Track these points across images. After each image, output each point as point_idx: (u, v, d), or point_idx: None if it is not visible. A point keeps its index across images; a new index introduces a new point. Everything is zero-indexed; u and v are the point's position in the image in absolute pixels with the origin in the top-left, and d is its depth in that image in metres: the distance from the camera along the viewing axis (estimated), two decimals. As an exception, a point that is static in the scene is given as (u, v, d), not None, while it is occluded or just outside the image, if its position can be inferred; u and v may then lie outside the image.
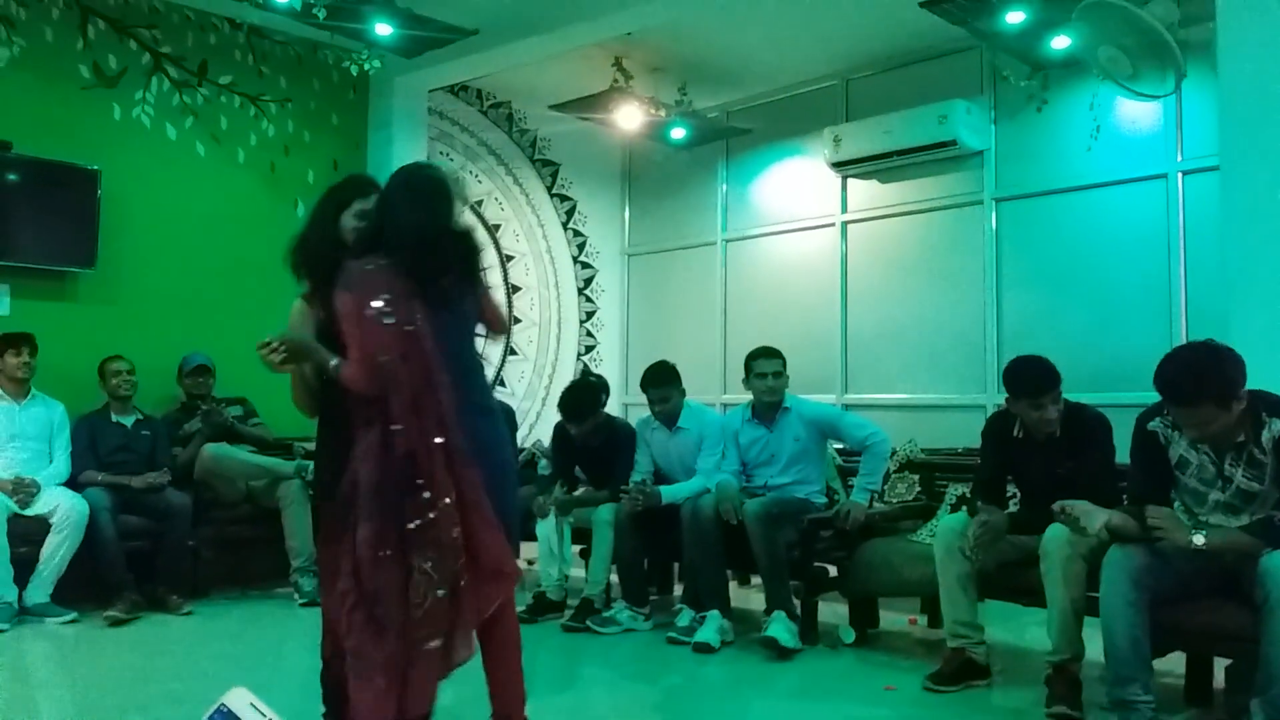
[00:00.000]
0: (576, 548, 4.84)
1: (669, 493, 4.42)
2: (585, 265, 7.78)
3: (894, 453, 4.53)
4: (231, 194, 5.73)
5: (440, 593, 2.25)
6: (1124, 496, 3.43)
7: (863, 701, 3.50)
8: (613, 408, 5.70)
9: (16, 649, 4.00)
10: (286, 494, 4.89)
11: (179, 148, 5.57)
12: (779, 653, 3.88)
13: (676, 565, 5.02)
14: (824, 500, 4.43)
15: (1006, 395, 3.56)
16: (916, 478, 4.55)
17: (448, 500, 2.26)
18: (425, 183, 2.55)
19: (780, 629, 3.92)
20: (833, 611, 4.41)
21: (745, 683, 3.71)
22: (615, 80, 6.23)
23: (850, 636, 4.13)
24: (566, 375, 7.32)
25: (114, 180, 5.22)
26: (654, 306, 7.80)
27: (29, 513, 4.43)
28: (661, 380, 4.63)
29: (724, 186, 7.37)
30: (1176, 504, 3.07)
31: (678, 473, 4.63)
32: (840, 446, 4.77)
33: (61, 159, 5.06)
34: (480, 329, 2.66)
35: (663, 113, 6.46)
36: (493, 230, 7.18)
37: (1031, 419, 3.49)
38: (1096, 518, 2.96)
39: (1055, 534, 3.22)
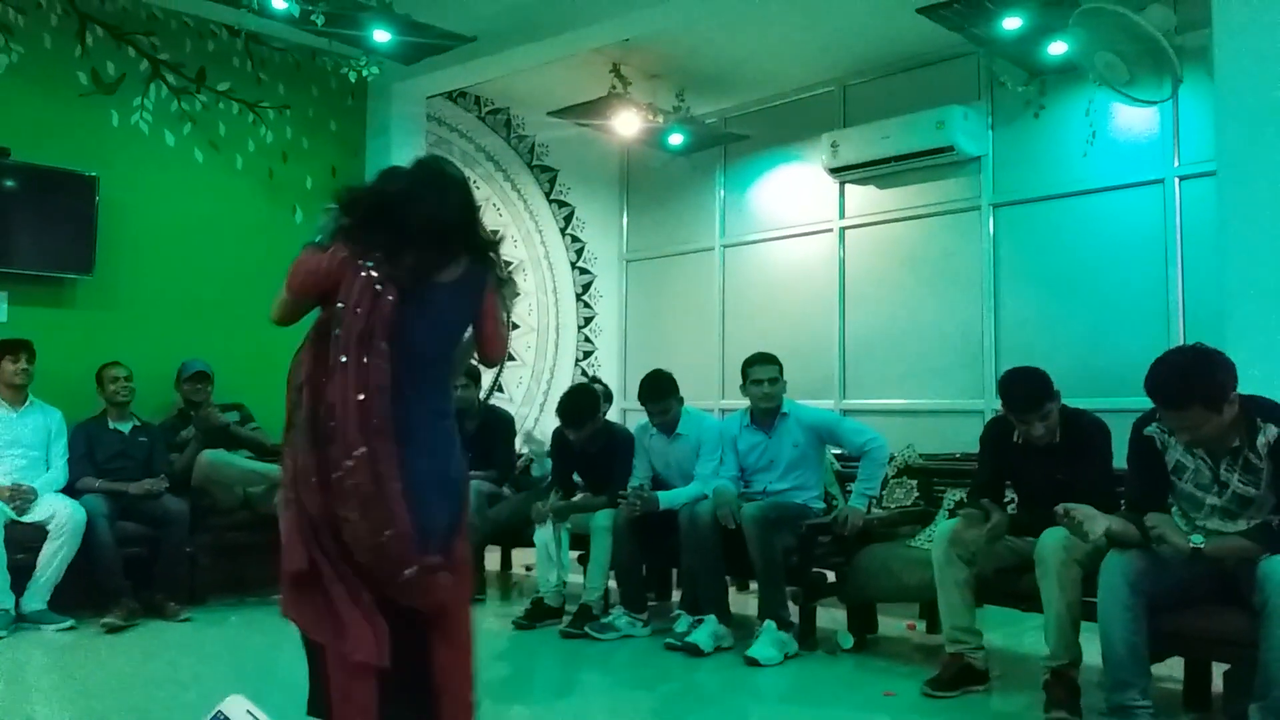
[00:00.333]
0: (574, 553, 4.84)
1: (667, 498, 4.42)
2: (583, 271, 7.79)
3: (892, 458, 4.53)
4: (230, 200, 5.73)
5: (388, 533, 2.23)
6: (1122, 502, 3.44)
7: (861, 707, 3.49)
8: (611, 414, 5.70)
9: (14, 656, 3.99)
10: (284, 499, 4.87)
11: (177, 154, 5.57)
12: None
13: (675, 571, 5.01)
14: (822, 506, 4.44)
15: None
16: (915, 483, 4.55)
17: (360, 451, 2.24)
18: (447, 179, 2.49)
19: (765, 646, 3.92)
20: (831, 617, 4.41)
21: (743, 689, 3.71)
22: (613, 86, 6.24)
23: (849, 642, 4.13)
24: (565, 381, 7.33)
25: (112, 187, 5.22)
26: (652, 312, 7.81)
27: (26, 520, 4.43)
28: (659, 394, 4.62)
29: (722, 192, 7.38)
30: (1174, 509, 3.07)
31: (676, 479, 4.63)
32: (839, 452, 4.77)
33: (60, 165, 5.06)
34: (471, 343, 2.53)
35: (660, 119, 6.47)
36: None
37: (1021, 430, 3.51)
38: (1098, 523, 2.95)
39: (1052, 539, 3.23)
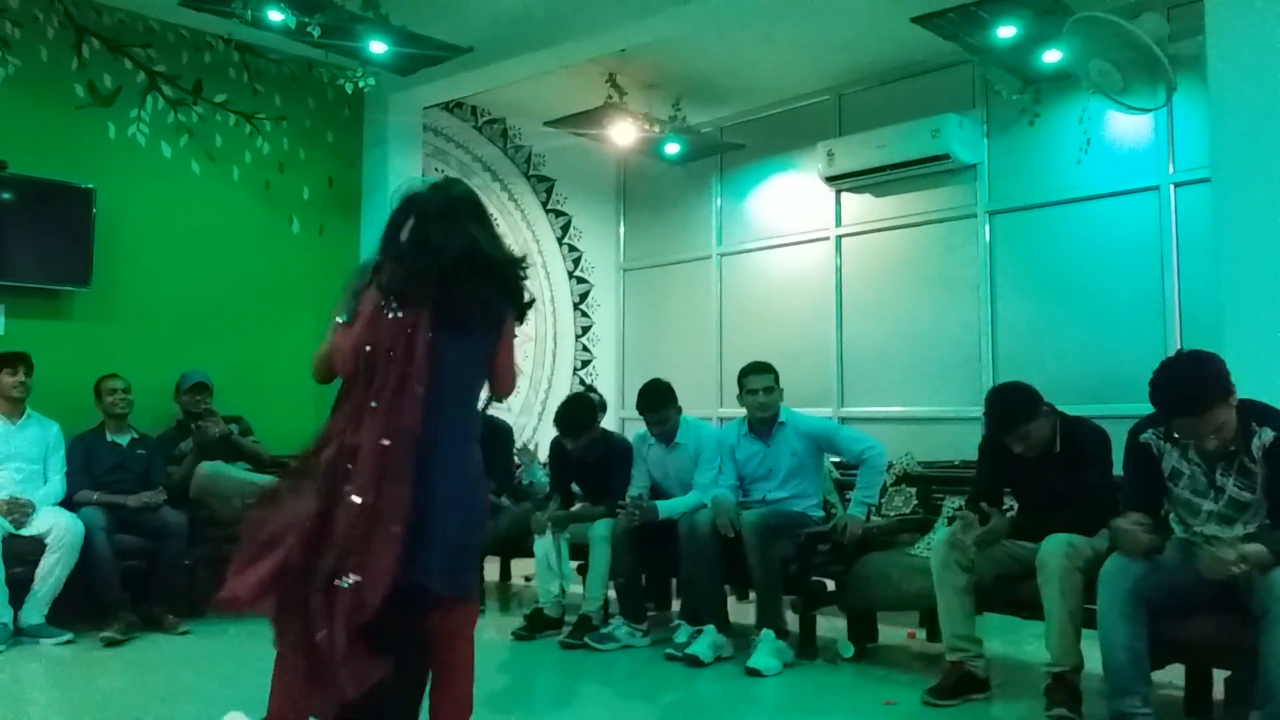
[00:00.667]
0: (574, 564, 4.83)
1: (666, 508, 4.41)
2: (581, 280, 7.80)
3: (891, 466, 4.53)
4: (226, 211, 5.74)
5: (347, 582, 2.21)
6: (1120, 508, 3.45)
7: (862, 716, 3.49)
8: (609, 423, 5.71)
9: (12, 670, 3.98)
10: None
11: (174, 166, 5.58)
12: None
13: (674, 581, 5.00)
14: (821, 514, 4.43)
15: None
16: (913, 491, 4.55)
17: (361, 500, 2.23)
18: (463, 200, 2.48)
19: (765, 656, 3.91)
20: (831, 626, 4.40)
21: (744, 699, 3.70)
22: (609, 96, 6.26)
23: (849, 651, 4.13)
24: (562, 390, 7.33)
25: (109, 199, 5.22)
26: (649, 321, 7.81)
27: (24, 533, 4.41)
28: (657, 403, 4.61)
29: (718, 201, 7.39)
30: (1171, 516, 3.08)
31: (675, 488, 4.62)
32: (837, 460, 4.77)
33: (56, 178, 5.06)
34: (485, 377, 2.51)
35: (657, 128, 6.48)
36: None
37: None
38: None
39: (1053, 545, 3.23)
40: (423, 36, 5.25)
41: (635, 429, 5.06)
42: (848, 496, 4.42)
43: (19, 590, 4.35)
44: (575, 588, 4.74)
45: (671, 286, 7.67)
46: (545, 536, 4.64)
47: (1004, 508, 3.73)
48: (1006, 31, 4.88)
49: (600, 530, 4.48)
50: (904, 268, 6.38)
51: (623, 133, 6.35)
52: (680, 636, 4.19)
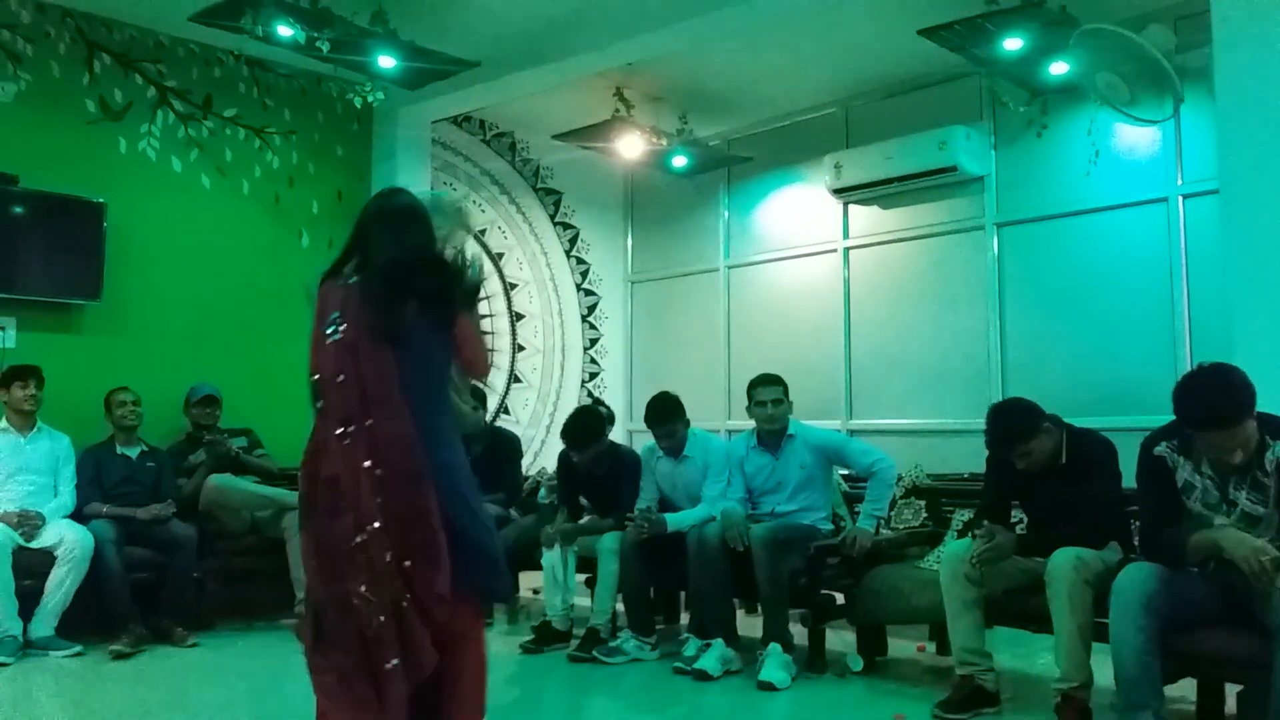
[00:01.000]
0: (582, 576, 4.82)
1: (674, 520, 4.40)
2: (589, 292, 7.81)
3: (900, 478, 4.52)
4: (236, 225, 5.77)
5: (382, 618, 2.20)
6: (1131, 521, 3.44)
7: (872, 730, 3.47)
8: (617, 435, 5.71)
9: (21, 683, 3.98)
10: (291, 525, 4.86)
11: (184, 180, 5.61)
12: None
13: (683, 594, 4.99)
14: (830, 527, 4.42)
15: None
16: (923, 503, 4.53)
17: (376, 525, 2.22)
18: (397, 210, 2.51)
19: (775, 669, 3.89)
20: (840, 639, 4.38)
21: (752, 712, 3.69)
22: (617, 110, 6.28)
23: (858, 665, 4.11)
24: (571, 402, 7.33)
25: (120, 213, 5.26)
26: (658, 333, 7.82)
27: (34, 545, 4.42)
28: (665, 416, 4.61)
29: (726, 213, 7.40)
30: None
31: (683, 501, 4.62)
32: (846, 473, 4.76)
33: (68, 192, 5.10)
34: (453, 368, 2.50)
35: (664, 141, 6.50)
36: (496, 259, 7.21)
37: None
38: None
39: (1062, 559, 3.21)
40: (431, 51, 5.27)
41: (643, 441, 5.06)
42: (857, 509, 4.41)
43: (29, 603, 4.36)
44: (582, 600, 4.73)
45: (679, 299, 7.68)
46: (554, 549, 4.64)
47: (1012, 521, 3.72)
48: (1013, 44, 4.88)
49: (608, 543, 4.48)
50: (912, 280, 6.37)
51: (630, 146, 6.37)
52: (689, 650, 4.18)
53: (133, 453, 4.92)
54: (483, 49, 5.52)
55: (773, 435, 4.42)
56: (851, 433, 6.25)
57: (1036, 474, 3.51)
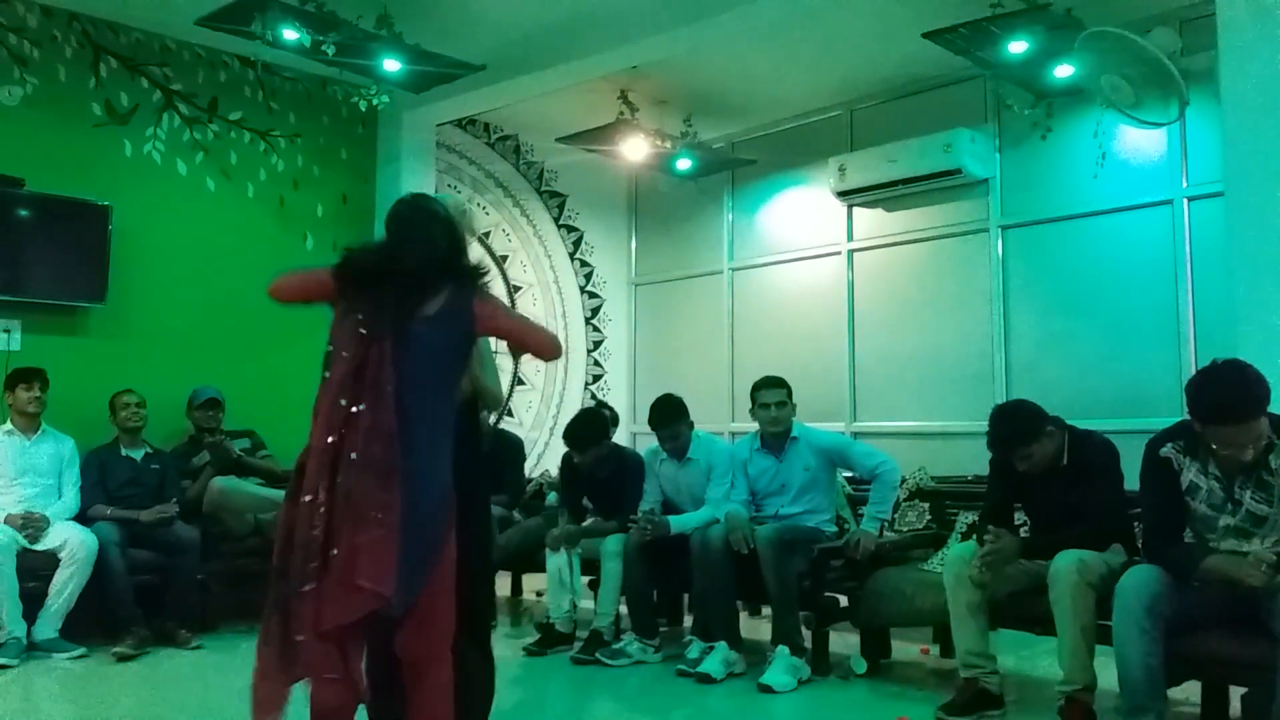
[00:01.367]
0: (585, 579, 4.82)
1: (678, 523, 4.40)
2: (592, 295, 7.81)
3: (904, 481, 4.51)
4: (241, 228, 5.78)
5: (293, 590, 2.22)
6: (1135, 523, 3.43)
7: (875, 733, 3.47)
8: (621, 437, 5.71)
9: (25, 685, 3.99)
10: (295, 526, 4.87)
11: (189, 183, 5.63)
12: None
13: (686, 596, 4.99)
14: (834, 529, 4.42)
15: None
16: (927, 506, 4.53)
17: (309, 498, 2.26)
18: (429, 212, 2.57)
19: (779, 672, 3.89)
20: (844, 642, 4.37)
21: (756, 715, 3.68)
22: (621, 113, 6.29)
23: (862, 667, 4.10)
24: (574, 405, 7.33)
25: (125, 216, 5.27)
26: (661, 336, 7.82)
27: (38, 547, 4.43)
28: (669, 418, 4.61)
29: (730, 216, 7.40)
30: (1186, 531, 3.05)
31: (686, 503, 4.61)
32: (850, 475, 4.76)
33: (73, 195, 5.11)
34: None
35: (668, 144, 6.51)
36: (500, 261, 7.22)
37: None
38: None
39: (1065, 561, 3.21)
40: (436, 54, 5.29)
41: (647, 444, 5.06)
42: (860, 512, 4.41)
43: (32, 605, 4.36)
44: (585, 603, 4.73)
45: (683, 301, 7.68)
46: (559, 552, 4.64)
47: (1017, 524, 3.72)
48: (1018, 46, 4.88)
49: (612, 545, 4.48)
50: (916, 282, 6.37)
51: (634, 148, 6.38)
52: (692, 652, 4.18)
53: (137, 455, 4.92)
54: (487, 52, 5.54)
55: (776, 438, 4.42)
56: (855, 435, 6.24)
57: (1038, 476, 3.50)
